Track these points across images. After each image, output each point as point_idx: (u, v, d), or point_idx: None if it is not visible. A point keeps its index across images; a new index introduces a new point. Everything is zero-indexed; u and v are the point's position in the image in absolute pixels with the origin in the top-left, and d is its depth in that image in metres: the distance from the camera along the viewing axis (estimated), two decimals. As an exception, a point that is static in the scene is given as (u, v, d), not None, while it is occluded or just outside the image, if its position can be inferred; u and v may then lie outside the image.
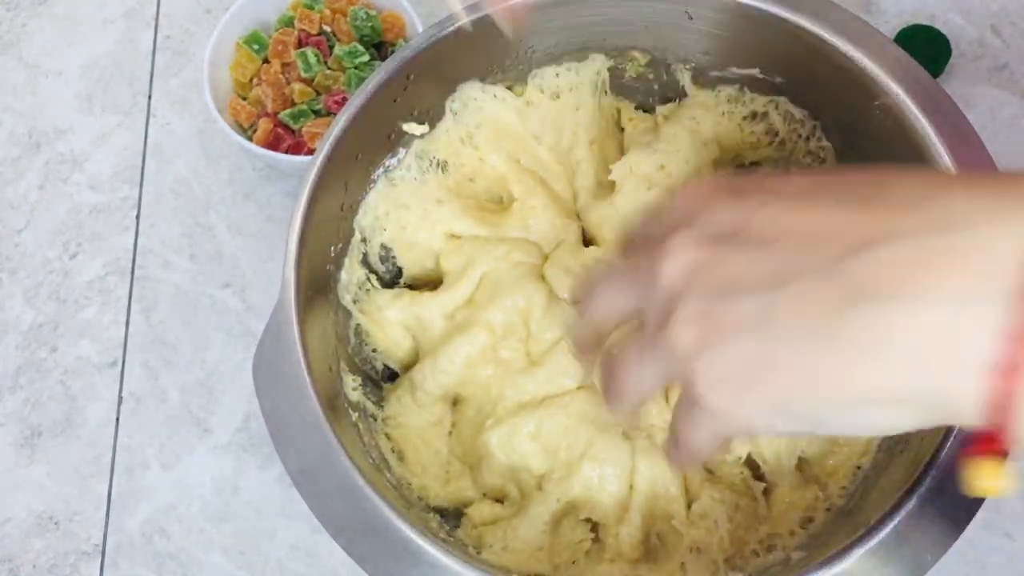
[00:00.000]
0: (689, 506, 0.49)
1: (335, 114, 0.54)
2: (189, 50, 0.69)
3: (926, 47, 0.64)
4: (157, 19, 0.70)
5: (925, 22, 0.65)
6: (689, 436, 0.33)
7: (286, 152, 0.61)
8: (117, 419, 0.60)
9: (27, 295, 0.63)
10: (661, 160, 0.53)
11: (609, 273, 0.37)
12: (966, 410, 0.27)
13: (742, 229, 0.31)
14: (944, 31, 0.64)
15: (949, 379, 0.27)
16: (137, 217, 0.65)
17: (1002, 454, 0.28)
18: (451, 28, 0.49)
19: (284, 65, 0.63)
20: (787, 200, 0.31)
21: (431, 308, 0.53)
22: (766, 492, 0.50)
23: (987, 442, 0.28)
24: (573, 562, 0.48)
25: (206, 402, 0.60)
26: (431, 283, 0.55)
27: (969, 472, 0.29)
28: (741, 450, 0.50)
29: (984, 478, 0.29)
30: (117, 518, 0.58)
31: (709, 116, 0.54)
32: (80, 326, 0.62)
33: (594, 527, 0.50)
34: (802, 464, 0.50)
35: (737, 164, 0.56)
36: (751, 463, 0.50)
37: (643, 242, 0.36)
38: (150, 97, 0.68)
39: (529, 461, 0.49)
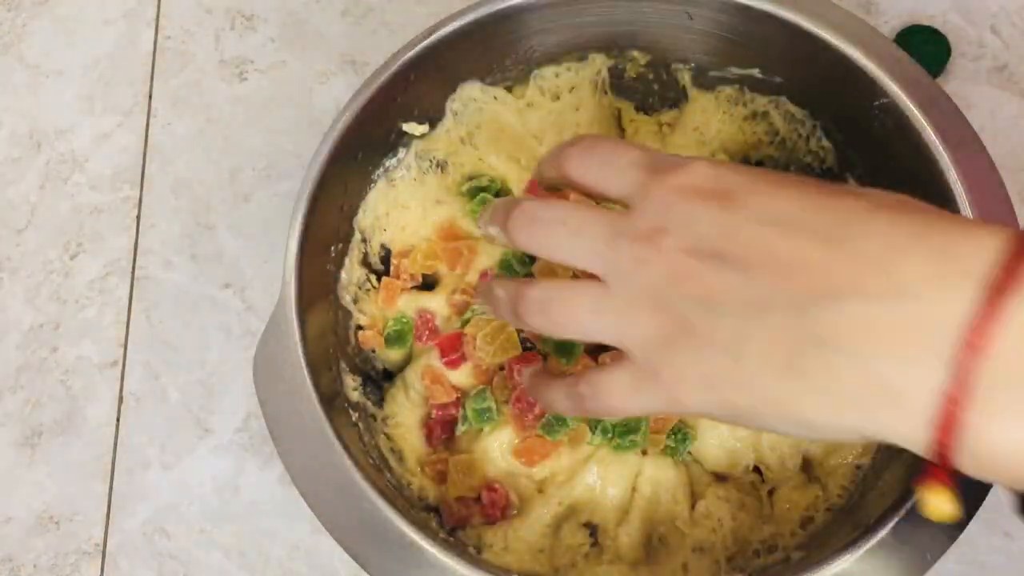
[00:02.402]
0: (693, 505, 0.49)
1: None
2: (189, 50, 0.69)
3: (926, 47, 0.64)
4: (157, 19, 0.70)
5: (925, 22, 0.65)
6: (618, 400, 0.36)
7: None
8: (117, 419, 0.60)
9: (28, 295, 0.63)
10: None
11: (577, 220, 0.37)
12: (910, 446, 0.31)
13: (727, 251, 0.33)
14: (944, 31, 0.64)
15: (892, 425, 0.30)
16: (138, 217, 0.65)
17: (948, 485, 0.31)
18: (451, 28, 0.49)
19: None
20: (768, 223, 0.33)
21: (428, 307, 0.53)
22: (768, 492, 0.50)
23: (935, 473, 0.31)
24: (573, 565, 0.48)
25: (206, 402, 0.60)
26: (429, 282, 0.55)
27: (921, 498, 0.32)
28: (747, 458, 0.50)
29: (934, 504, 0.32)
30: (117, 518, 0.58)
31: (712, 124, 0.55)
32: (81, 326, 0.62)
33: (593, 530, 0.50)
34: (804, 464, 0.50)
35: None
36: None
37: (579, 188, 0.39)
38: (151, 97, 0.68)
39: (530, 467, 0.49)
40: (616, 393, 0.36)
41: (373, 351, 0.53)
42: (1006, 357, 0.28)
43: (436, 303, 0.52)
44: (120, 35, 0.70)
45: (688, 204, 0.34)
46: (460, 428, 0.50)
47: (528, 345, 0.51)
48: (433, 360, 0.51)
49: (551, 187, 0.41)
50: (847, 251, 0.31)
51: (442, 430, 0.51)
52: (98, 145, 0.67)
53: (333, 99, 0.67)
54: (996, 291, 0.28)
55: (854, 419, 0.31)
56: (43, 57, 0.70)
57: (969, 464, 0.30)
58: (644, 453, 0.49)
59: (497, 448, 0.49)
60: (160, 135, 0.67)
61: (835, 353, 0.31)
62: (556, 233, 0.37)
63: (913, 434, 0.30)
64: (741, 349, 0.32)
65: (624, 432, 0.48)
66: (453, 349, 0.51)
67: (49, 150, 0.67)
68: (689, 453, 0.50)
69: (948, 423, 0.29)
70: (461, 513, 0.49)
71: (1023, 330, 0.28)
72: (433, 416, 0.51)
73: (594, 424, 0.49)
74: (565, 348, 0.49)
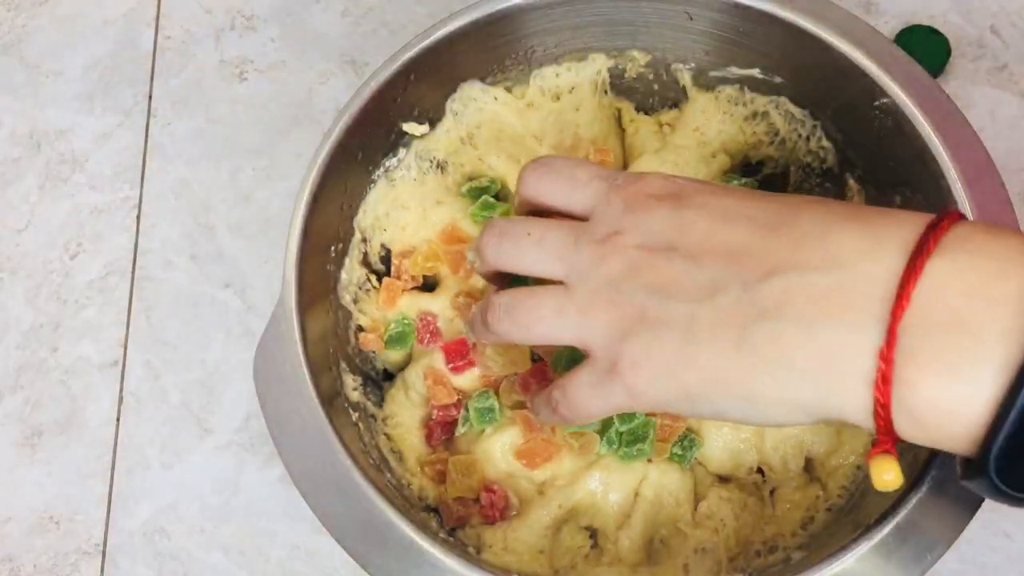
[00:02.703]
0: (695, 506, 0.49)
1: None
2: (189, 50, 0.69)
3: (926, 47, 0.64)
4: (157, 19, 0.70)
5: (925, 22, 0.65)
6: (584, 400, 0.38)
7: None
8: (118, 419, 0.60)
9: (28, 295, 0.63)
10: (671, 170, 0.53)
11: (541, 231, 0.40)
12: (853, 415, 0.33)
13: (679, 243, 0.36)
14: (944, 31, 0.64)
15: (837, 390, 0.32)
16: (138, 217, 0.65)
17: (893, 453, 0.33)
18: (451, 28, 0.49)
19: None
20: (717, 218, 0.36)
21: (429, 309, 0.53)
22: (769, 492, 0.50)
23: (881, 442, 0.33)
24: (573, 566, 0.48)
25: (206, 402, 0.60)
26: (429, 283, 0.55)
27: (871, 470, 0.33)
28: (751, 459, 0.50)
29: (881, 473, 0.33)
30: (117, 518, 0.58)
31: (712, 124, 0.55)
32: (81, 326, 0.63)
33: (593, 532, 0.50)
34: (805, 464, 0.50)
35: (744, 165, 0.56)
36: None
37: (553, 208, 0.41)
38: (151, 97, 0.68)
39: (532, 470, 0.49)
40: (581, 394, 0.38)
41: (373, 352, 0.53)
42: (928, 311, 0.31)
43: (438, 305, 0.52)
44: (120, 35, 0.70)
45: (644, 207, 0.37)
46: (460, 429, 0.50)
47: (536, 357, 0.50)
48: (436, 361, 0.51)
49: (529, 212, 0.43)
50: (786, 234, 0.34)
51: (442, 431, 0.51)
52: (98, 145, 0.67)
53: (333, 99, 0.67)
54: (917, 253, 0.31)
55: (802, 391, 0.33)
56: (43, 57, 0.70)
57: (908, 426, 0.32)
58: (649, 460, 0.49)
59: (499, 449, 0.49)
60: (160, 135, 0.67)
61: (780, 324, 0.33)
62: (521, 244, 0.39)
63: (855, 400, 0.32)
64: (693, 331, 0.35)
65: (631, 441, 0.48)
66: (459, 356, 0.51)
67: (49, 150, 0.67)
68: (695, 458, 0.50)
69: (884, 380, 0.31)
70: (460, 513, 0.49)
71: (942, 285, 0.31)
72: (434, 417, 0.51)
73: (601, 433, 0.48)
74: (573, 362, 0.49)
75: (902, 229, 0.33)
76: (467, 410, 0.50)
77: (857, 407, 0.32)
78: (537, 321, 0.39)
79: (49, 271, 0.64)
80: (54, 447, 0.60)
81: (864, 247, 0.33)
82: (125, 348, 0.62)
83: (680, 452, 0.49)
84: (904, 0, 0.66)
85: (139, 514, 0.58)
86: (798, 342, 0.33)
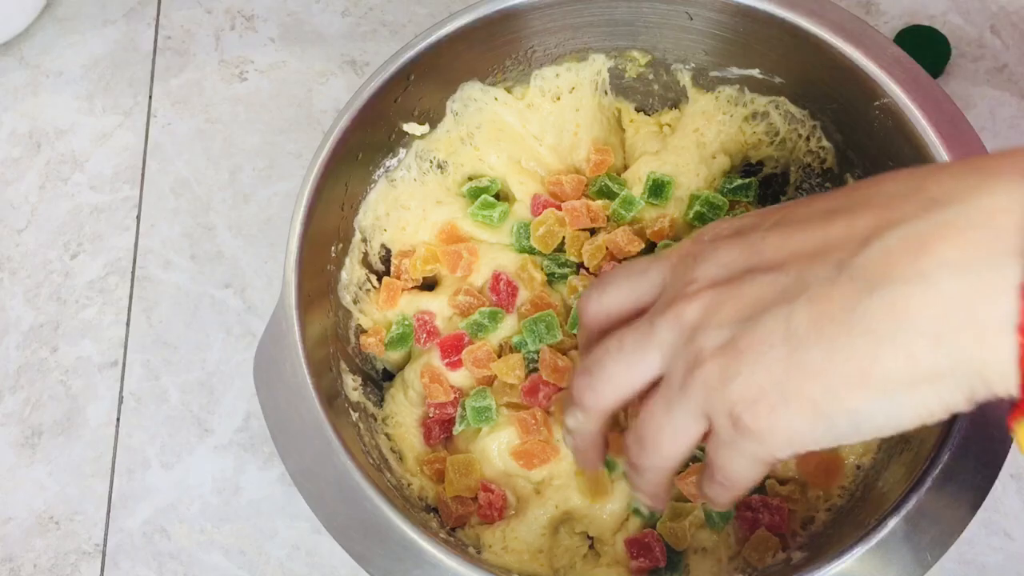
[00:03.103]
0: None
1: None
2: (189, 50, 0.69)
3: (926, 47, 0.64)
4: (157, 19, 0.70)
5: (925, 22, 0.65)
6: (731, 469, 0.34)
7: None
8: (118, 419, 0.60)
9: (28, 295, 0.63)
10: (670, 171, 0.53)
11: (616, 339, 0.35)
12: (999, 375, 0.28)
13: (754, 262, 0.32)
14: (944, 31, 0.64)
15: (977, 346, 0.27)
16: (138, 217, 0.65)
17: None
18: (451, 28, 0.49)
19: None
20: (786, 226, 0.32)
21: (428, 308, 0.53)
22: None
23: None
24: (572, 566, 0.48)
25: (207, 402, 0.60)
26: (429, 282, 0.55)
27: (1017, 433, 0.29)
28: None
29: None
30: (118, 518, 0.58)
31: (712, 126, 0.55)
32: (81, 326, 0.62)
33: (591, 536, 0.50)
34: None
35: (744, 166, 0.56)
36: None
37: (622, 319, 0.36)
38: (151, 97, 0.68)
39: (528, 470, 0.49)
40: (731, 468, 0.34)
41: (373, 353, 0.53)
42: None
43: (436, 304, 0.52)
44: (120, 35, 0.70)
45: (708, 250, 0.34)
46: (458, 427, 0.50)
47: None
48: (433, 359, 0.51)
49: (595, 336, 0.39)
50: (868, 206, 0.30)
51: (440, 429, 0.51)
52: (98, 145, 0.67)
53: (333, 99, 0.67)
54: None
55: (937, 359, 0.28)
56: (43, 57, 0.70)
57: None
58: None
59: (495, 449, 0.49)
60: (160, 135, 0.67)
61: (892, 288, 0.28)
62: (607, 366, 0.35)
63: (998, 354, 0.27)
64: (795, 337, 0.30)
65: None
66: (455, 351, 0.51)
67: (49, 150, 0.67)
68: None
69: None
70: (459, 513, 0.49)
71: None
72: (431, 415, 0.51)
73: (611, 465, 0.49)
74: None
75: (1009, 160, 0.28)
76: (463, 408, 0.50)
77: (1001, 360, 0.27)
78: (656, 435, 0.34)
79: (49, 271, 0.64)
80: (54, 447, 0.60)
81: (974, 182, 0.28)
82: (125, 348, 0.62)
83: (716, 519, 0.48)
84: (904, 0, 0.66)
85: (139, 514, 0.58)
86: (919, 302, 0.28)
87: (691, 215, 0.52)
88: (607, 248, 0.52)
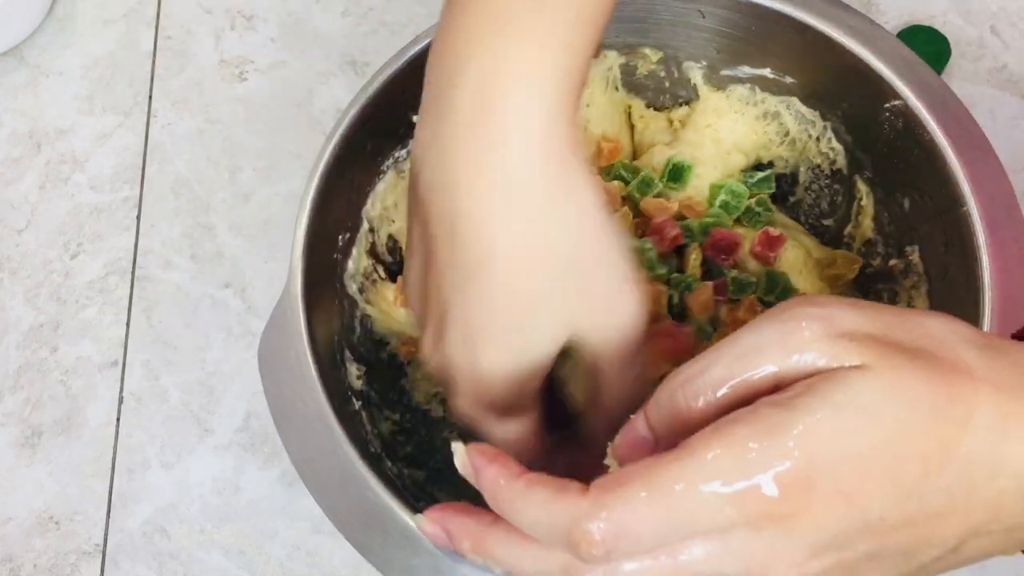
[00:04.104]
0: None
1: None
2: (190, 50, 0.69)
3: (926, 47, 0.64)
4: (158, 19, 0.70)
5: (925, 22, 0.65)
6: None
7: None
8: (118, 419, 0.60)
9: (28, 295, 0.63)
10: (687, 159, 0.53)
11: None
12: None
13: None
14: (944, 31, 0.64)
15: None
16: (138, 217, 0.65)
17: None
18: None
19: None
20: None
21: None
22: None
23: None
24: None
25: (207, 402, 0.60)
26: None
27: None
28: None
29: None
30: (118, 518, 0.58)
31: (724, 122, 0.55)
32: (81, 326, 0.62)
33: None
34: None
35: (755, 164, 0.56)
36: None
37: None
38: (151, 97, 0.68)
39: None
40: None
41: (379, 340, 0.53)
42: None
43: None
44: (120, 35, 0.70)
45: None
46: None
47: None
48: None
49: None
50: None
51: None
52: (98, 145, 0.67)
53: (333, 99, 0.67)
54: None
55: None
56: (43, 57, 0.70)
57: None
58: None
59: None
60: (160, 135, 0.67)
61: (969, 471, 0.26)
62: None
63: None
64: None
65: None
66: None
67: (49, 150, 0.67)
68: None
69: None
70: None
71: None
72: None
73: None
74: None
75: None
76: None
77: None
78: None
79: (49, 271, 0.64)
80: (54, 447, 0.60)
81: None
82: (125, 348, 0.62)
83: None
84: (904, 0, 0.66)
85: (139, 514, 0.58)
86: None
87: (716, 204, 0.53)
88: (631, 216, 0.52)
